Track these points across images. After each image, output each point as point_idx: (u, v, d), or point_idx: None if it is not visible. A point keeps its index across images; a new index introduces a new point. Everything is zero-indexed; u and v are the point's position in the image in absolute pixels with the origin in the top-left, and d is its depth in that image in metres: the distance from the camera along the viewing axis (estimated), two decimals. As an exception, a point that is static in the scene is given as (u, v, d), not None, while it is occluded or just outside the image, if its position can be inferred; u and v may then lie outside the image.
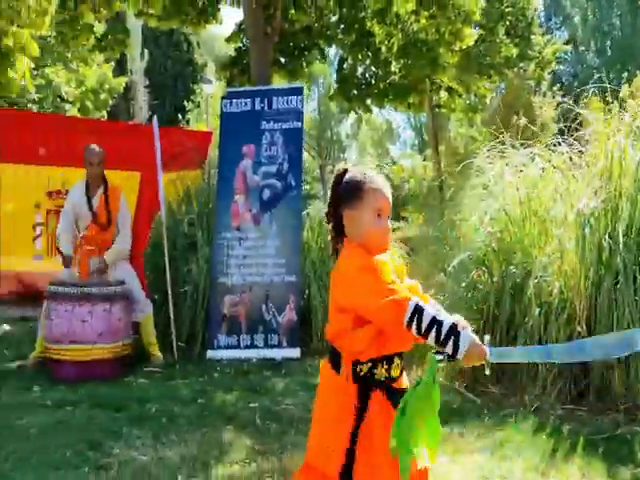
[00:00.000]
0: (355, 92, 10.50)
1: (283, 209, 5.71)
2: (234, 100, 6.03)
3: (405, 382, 1.87)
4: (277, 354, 5.30)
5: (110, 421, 3.67)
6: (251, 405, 4.00)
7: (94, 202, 5.12)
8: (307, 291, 5.71)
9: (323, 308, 5.58)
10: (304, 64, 10.52)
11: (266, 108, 5.94)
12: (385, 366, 1.80)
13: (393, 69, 10.32)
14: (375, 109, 12.32)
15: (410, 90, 10.30)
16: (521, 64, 14.35)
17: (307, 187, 37.05)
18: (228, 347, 5.37)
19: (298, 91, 6.10)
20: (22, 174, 7.06)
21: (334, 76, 13.45)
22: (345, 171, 1.91)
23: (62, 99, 23.24)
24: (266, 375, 4.81)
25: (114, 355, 4.72)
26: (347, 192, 1.87)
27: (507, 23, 13.33)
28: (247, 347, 5.38)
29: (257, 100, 5.97)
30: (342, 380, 1.81)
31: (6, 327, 6.11)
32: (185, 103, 32.72)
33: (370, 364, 1.79)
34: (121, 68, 31.07)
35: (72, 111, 23.35)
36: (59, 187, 7.11)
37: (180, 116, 32.72)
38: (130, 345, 4.92)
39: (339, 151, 44.01)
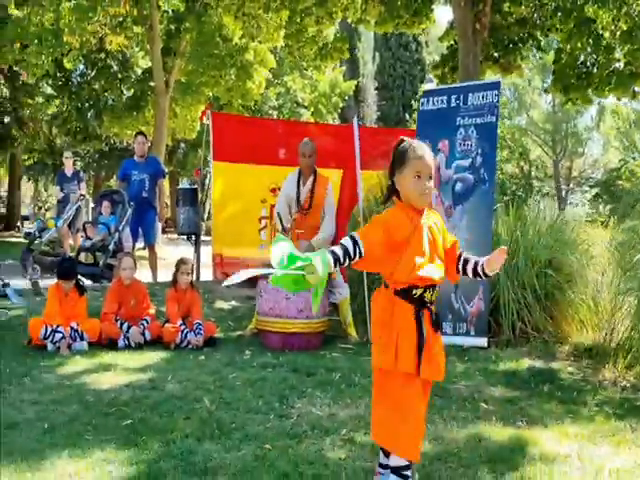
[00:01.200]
0: (573, 82, 10.01)
1: (475, 203, 5.85)
2: (431, 98, 6.31)
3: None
4: (464, 341, 5.50)
5: (299, 383, 4.25)
6: (424, 382, 4.29)
7: (303, 190, 5.82)
8: (497, 283, 5.78)
9: (512, 301, 5.63)
10: (518, 58, 10.31)
11: (461, 104, 6.12)
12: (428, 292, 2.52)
13: (617, 56, 9.64)
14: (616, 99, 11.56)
15: (636, 77, 9.53)
16: None
17: (538, 184, 35.37)
18: (417, 332, 5.69)
19: (494, 86, 6.17)
20: (249, 173, 8.15)
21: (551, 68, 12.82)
22: (401, 141, 2.50)
23: (298, 104, 25.46)
24: (450, 359, 5.00)
25: (311, 330, 5.36)
26: (395, 158, 2.47)
27: None
28: (435, 333, 5.65)
29: (453, 97, 6.18)
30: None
31: (234, 303, 7.15)
32: (413, 102, 33.42)
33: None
34: (352, 72, 32.89)
35: (306, 115, 25.43)
36: (280, 184, 8.08)
37: (407, 115, 33.54)
38: (326, 322, 5.53)
39: (577, 145, 41.12)
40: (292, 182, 5.92)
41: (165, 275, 7.71)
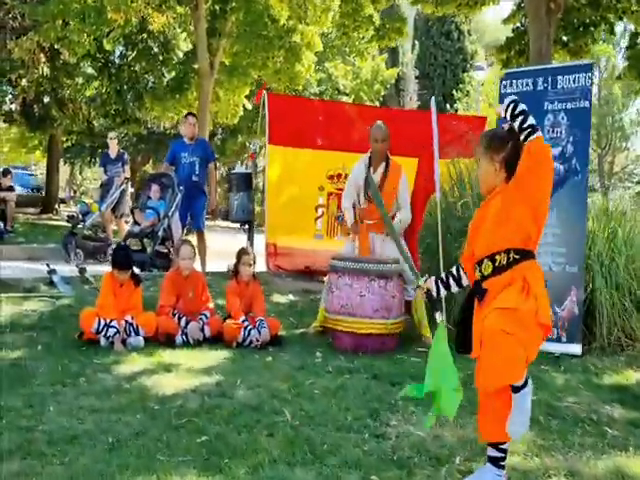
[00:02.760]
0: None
1: (565, 195, 5.25)
2: (513, 81, 5.72)
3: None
4: (555, 348, 4.94)
5: (385, 393, 3.76)
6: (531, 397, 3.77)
7: (374, 177, 5.26)
8: (591, 285, 5.21)
9: (608, 305, 5.06)
10: (589, 41, 9.61)
11: (550, 88, 5.52)
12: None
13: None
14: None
15: None
16: None
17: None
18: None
19: (587, 68, 5.54)
20: (307, 158, 7.65)
21: (620, 54, 12.06)
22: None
23: (339, 91, 24.88)
24: (544, 368, 4.50)
25: (387, 331, 4.85)
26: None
27: None
28: (521, 338, 5.11)
29: (540, 80, 5.58)
30: None
31: (292, 297, 6.68)
32: (454, 92, 32.57)
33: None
34: (392, 60, 32.14)
35: (348, 102, 24.85)
36: (339, 171, 7.58)
37: (448, 105, 32.69)
38: (402, 323, 5.02)
39: (622, 140, 39.86)
40: (361, 169, 5.39)
41: (210, 265, 7.29)
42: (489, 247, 2.61)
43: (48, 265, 6.37)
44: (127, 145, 28.40)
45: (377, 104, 26.63)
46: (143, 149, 28.77)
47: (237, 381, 3.87)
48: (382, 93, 26.07)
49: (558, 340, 5.03)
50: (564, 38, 9.79)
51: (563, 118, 5.43)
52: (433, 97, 6.03)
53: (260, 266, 7.66)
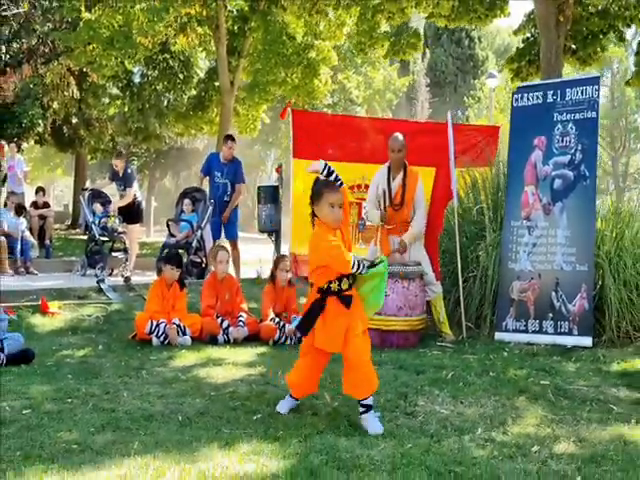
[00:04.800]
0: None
1: (575, 199, 5.69)
2: (525, 94, 6.17)
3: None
4: (568, 341, 5.35)
5: (412, 381, 4.19)
6: (542, 382, 4.19)
7: (393, 185, 5.74)
8: (600, 282, 5.61)
9: (617, 300, 5.46)
10: (598, 49, 10.02)
11: (559, 99, 5.96)
12: (336, 283, 3.32)
13: None
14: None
15: None
16: None
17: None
18: (515, 331, 5.59)
19: (594, 81, 5.98)
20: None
21: (631, 59, 12.44)
22: (317, 179, 3.33)
23: (352, 102, 25.40)
24: (555, 359, 4.91)
25: (410, 328, 5.30)
26: (313, 193, 3.33)
27: None
28: (535, 332, 5.52)
29: (549, 93, 6.02)
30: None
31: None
32: (465, 99, 32.97)
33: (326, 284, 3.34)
34: (404, 69, 32.62)
35: (360, 112, 25.33)
36: (359, 182, 8.02)
37: (460, 112, 33.09)
38: (424, 320, 5.46)
39: (635, 141, 39.97)
40: (382, 178, 5.86)
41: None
42: None
43: (96, 275, 6.90)
44: (147, 160, 29.18)
45: (389, 113, 27.15)
46: (161, 164, 29.50)
47: (279, 372, 4.33)
48: (394, 102, 26.61)
49: (570, 333, 5.44)
50: (573, 47, 10.21)
51: (572, 128, 5.87)
52: (449, 111, 6.52)
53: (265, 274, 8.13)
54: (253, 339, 5.35)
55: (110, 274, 8.29)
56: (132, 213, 9.71)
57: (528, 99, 6.13)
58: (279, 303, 5.49)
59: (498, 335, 5.62)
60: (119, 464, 2.69)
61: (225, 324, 5.32)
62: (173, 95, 18.11)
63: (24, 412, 3.36)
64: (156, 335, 5.09)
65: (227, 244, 8.51)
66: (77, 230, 19.96)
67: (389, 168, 5.83)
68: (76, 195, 21.98)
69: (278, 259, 5.52)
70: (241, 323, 5.37)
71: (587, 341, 5.35)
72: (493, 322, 5.76)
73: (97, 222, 9.00)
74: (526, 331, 5.57)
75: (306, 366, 3.54)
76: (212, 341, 5.22)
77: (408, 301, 5.26)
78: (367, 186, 6.58)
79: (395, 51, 11.06)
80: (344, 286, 3.35)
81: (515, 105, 6.22)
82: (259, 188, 8.08)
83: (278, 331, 5.28)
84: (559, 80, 6.99)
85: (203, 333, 5.29)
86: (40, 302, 5.87)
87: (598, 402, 3.82)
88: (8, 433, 3.05)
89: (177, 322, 5.19)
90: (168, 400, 3.66)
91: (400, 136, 5.74)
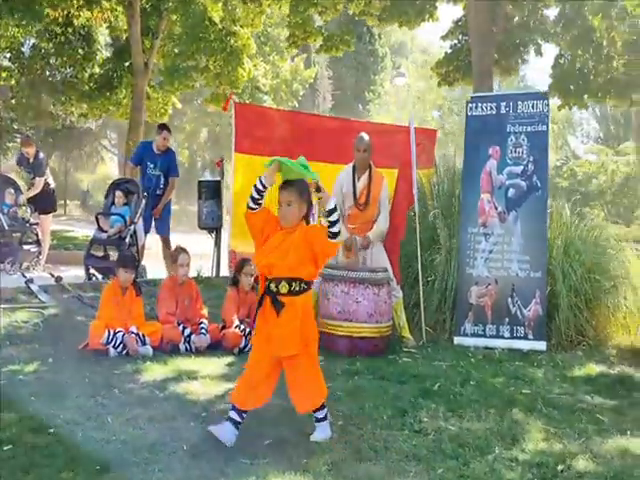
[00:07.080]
0: (572, 87, 10.27)
1: (528, 209, 5.88)
2: (479, 104, 6.27)
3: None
4: (523, 345, 5.53)
5: (401, 393, 4.12)
6: (524, 391, 4.28)
7: (358, 185, 5.66)
8: (551, 288, 5.84)
9: (566, 306, 5.72)
10: (519, 60, 10.47)
11: (511, 111, 6.12)
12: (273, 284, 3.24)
13: (615, 65, 9.95)
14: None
15: (633, 86, 9.88)
16: None
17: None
18: (474, 335, 5.71)
19: (543, 96, 6.26)
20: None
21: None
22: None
23: (258, 90, 24.95)
24: (519, 364, 5.05)
25: (380, 334, 5.23)
26: None
27: None
28: (492, 336, 5.67)
29: (502, 104, 6.17)
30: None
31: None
32: (366, 93, 33.50)
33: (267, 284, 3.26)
34: (307, 59, 32.58)
35: (268, 101, 24.98)
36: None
37: (360, 106, 33.59)
38: (391, 326, 5.43)
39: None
40: (347, 177, 5.75)
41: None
42: (290, 271, 3.23)
43: (24, 275, 6.25)
44: (34, 139, 27.11)
45: (296, 103, 27.04)
46: (49, 144, 27.53)
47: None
48: (301, 93, 26.51)
49: (525, 337, 5.63)
50: (496, 56, 10.59)
51: (524, 139, 6.05)
52: (412, 113, 6.51)
53: (226, 271, 7.85)
54: (215, 347, 5.06)
55: (20, 267, 7.63)
56: (45, 201, 8.97)
57: (482, 109, 6.23)
58: (243, 308, 5.22)
59: (457, 339, 5.71)
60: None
61: (187, 332, 4.98)
62: (73, 71, 16.87)
63: (4, 449, 2.93)
64: (113, 346, 4.67)
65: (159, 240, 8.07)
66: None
67: (354, 168, 5.73)
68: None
69: (242, 262, 5.24)
70: (203, 330, 5.06)
71: (541, 345, 5.56)
72: (451, 326, 5.84)
73: (6, 211, 8.26)
74: (484, 335, 5.70)
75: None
76: (173, 350, 4.88)
77: (378, 307, 5.19)
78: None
79: (328, 47, 10.97)
80: (282, 289, 3.24)
81: (470, 114, 6.30)
82: (200, 183, 7.68)
83: (244, 339, 5.02)
84: (512, 92, 7.21)
85: (163, 342, 4.92)
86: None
87: (583, 412, 3.94)
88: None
89: (135, 331, 4.79)
90: (160, 425, 3.34)
91: (366, 136, 5.66)
